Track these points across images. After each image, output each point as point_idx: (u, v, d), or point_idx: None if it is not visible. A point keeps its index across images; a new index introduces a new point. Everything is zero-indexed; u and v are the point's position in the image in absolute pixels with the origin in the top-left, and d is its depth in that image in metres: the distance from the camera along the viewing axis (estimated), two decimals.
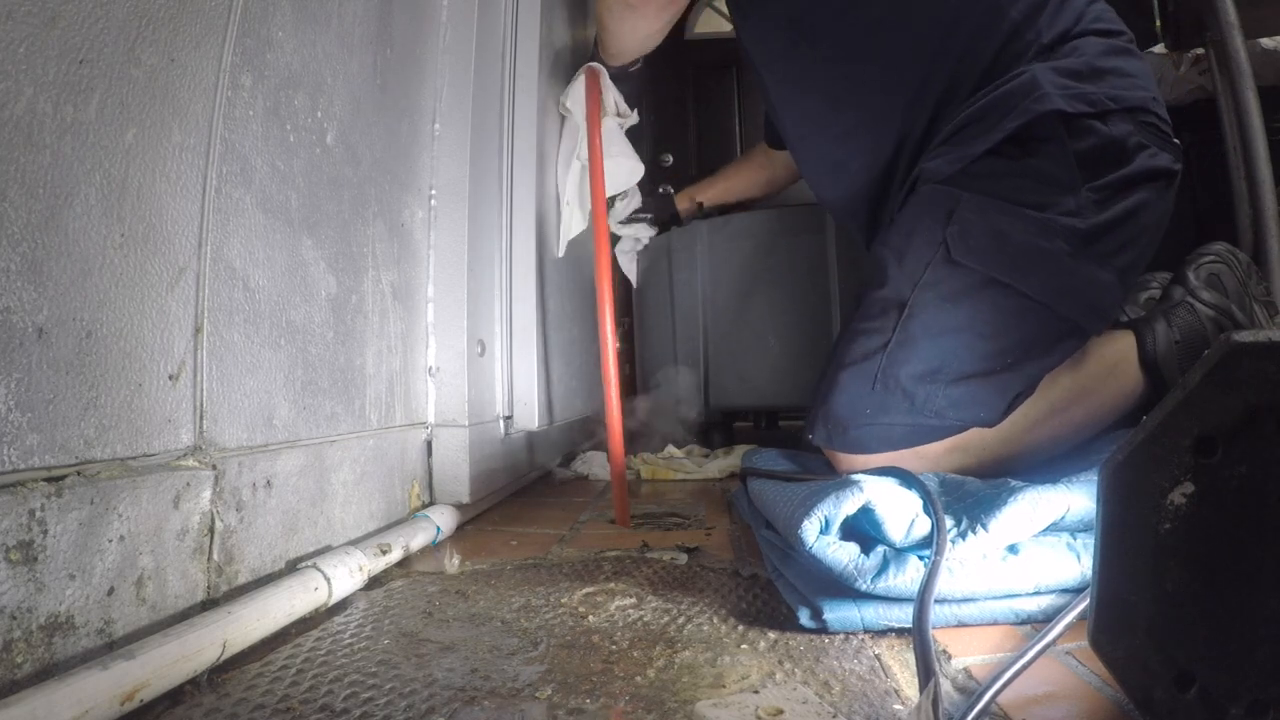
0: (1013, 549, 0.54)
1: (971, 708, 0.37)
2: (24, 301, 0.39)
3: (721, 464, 1.32)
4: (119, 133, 0.45)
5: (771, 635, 0.52)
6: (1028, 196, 0.79)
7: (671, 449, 1.47)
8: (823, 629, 0.52)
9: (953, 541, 0.54)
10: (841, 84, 0.96)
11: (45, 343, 0.40)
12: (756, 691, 0.43)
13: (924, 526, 0.54)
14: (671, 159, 2.68)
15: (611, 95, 1.18)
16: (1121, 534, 0.33)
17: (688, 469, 1.32)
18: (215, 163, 0.54)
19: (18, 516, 0.37)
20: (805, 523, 0.53)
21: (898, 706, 0.41)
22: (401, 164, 0.88)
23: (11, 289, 0.38)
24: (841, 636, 0.52)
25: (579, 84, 1.18)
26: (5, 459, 0.37)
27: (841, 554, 0.52)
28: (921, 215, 0.82)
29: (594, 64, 1.18)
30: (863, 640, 0.51)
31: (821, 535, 0.53)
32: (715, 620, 0.55)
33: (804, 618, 0.52)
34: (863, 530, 0.55)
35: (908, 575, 0.52)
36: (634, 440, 1.49)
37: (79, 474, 0.42)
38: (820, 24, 0.94)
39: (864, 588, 0.51)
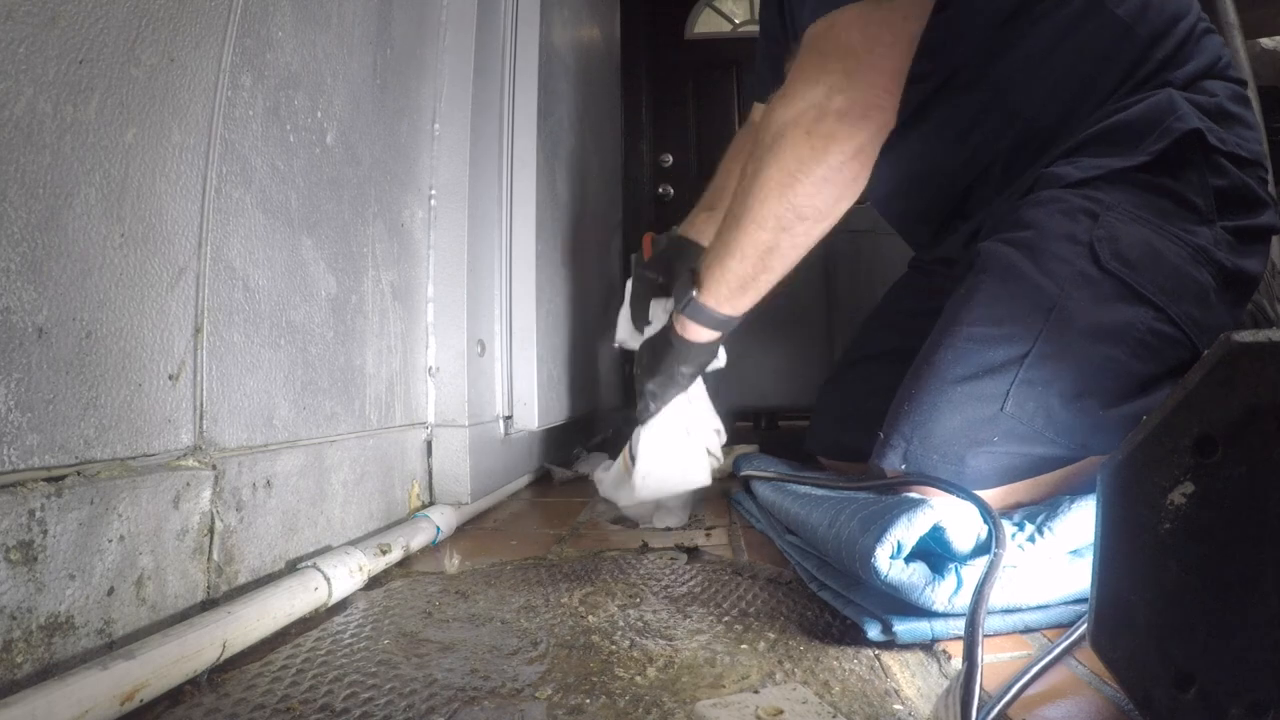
0: (1076, 553, 0.55)
1: (987, 714, 0.37)
2: (24, 301, 0.39)
3: (721, 464, 1.32)
4: (119, 133, 0.45)
5: (771, 635, 0.52)
6: (1170, 219, 0.71)
7: None
8: (892, 641, 0.50)
9: (1020, 547, 0.54)
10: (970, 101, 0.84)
11: (45, 343, 0.40)
12: (756, 691, 0.43)
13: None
14: (671, 159, 2.68)
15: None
16: (1121, 534, 0.33)
17: None
18: (215, 163, 0.54)
19: (18, 516, 0.37)
20: (878, 549, 0.51)
21: (898, 706, 0.41)
22: (401, 164, 0.88)
23: (11, 289, 0.38)
24: (840, 636, 0.52)
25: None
26: (5, 459, 0.37)
27: (916, 578, 0.51)
28: (1054, 214, 0.72)
29: None
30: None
31: (893, 560, 0.51)
32: (715, 620, 0.55)
33: (873, 632, 0.50)
34: (926, 546, 0.54)
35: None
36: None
37: (79, 474, 0.42)
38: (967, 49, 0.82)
39: (942, 609, 0.50)
